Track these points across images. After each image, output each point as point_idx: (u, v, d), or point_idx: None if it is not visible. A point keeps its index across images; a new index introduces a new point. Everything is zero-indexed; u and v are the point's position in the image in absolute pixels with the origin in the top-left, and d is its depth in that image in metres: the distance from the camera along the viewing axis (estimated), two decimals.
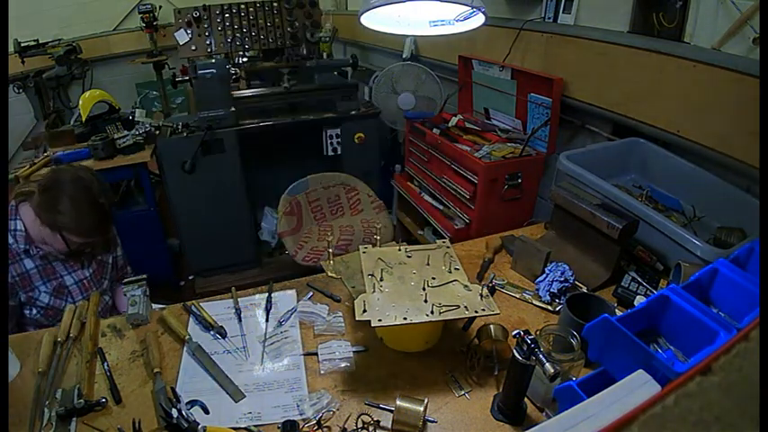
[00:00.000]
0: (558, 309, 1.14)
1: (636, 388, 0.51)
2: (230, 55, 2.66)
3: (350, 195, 2.10)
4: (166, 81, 2.81)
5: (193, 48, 2.57)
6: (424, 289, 0.96)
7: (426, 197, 2.35)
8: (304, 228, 2.04)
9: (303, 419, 0.87)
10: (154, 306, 1.21)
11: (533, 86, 1.95)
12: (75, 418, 0.87)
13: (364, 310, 0.90)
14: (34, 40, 3.35)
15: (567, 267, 1.18)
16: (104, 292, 1.47)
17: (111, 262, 1.51)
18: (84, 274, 1.41)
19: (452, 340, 1.05)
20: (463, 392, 0.93)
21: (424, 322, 0.90)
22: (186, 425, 0.81)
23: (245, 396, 0.94)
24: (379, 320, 0.88)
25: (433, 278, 1.00)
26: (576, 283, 1.20)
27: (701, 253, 1.11)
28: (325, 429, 0.86)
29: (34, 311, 1.32)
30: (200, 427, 0.82)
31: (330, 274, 1.27)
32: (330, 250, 1.21)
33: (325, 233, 2.00)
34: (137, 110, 2.76)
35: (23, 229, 1.26)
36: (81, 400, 0.89)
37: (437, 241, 1.14)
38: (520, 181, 1.97)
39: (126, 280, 1.20)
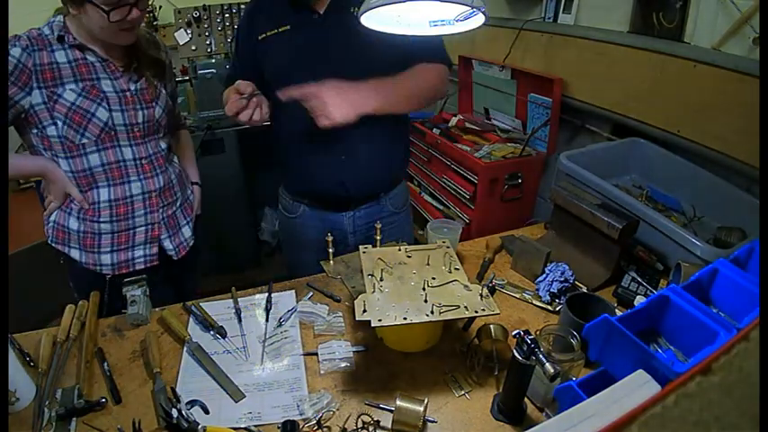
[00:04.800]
0: (558, 309, 1.14)
1: (636, 388, 0.51)
2: (230, 55, 2.66)
3: None
4: None
5: (193, 48, 2.57)
6: (424, 289, 0.96)
7: (426, 197, 2.35)
8: None
9: (303, 419, 0.87)
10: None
11: (533, 86, 1.95)
12: (74, 419, 0.87)
13: (364, 311, 0.90)
14: None
15: (567, 267, 1.18)
16: (158, 144, 1.25)
17: (167, 93, 1.31)
18: (129, 85, 1.18)
19: (452, 340, 1.05)
20: (463, 392, 0.93)
21: (424, 322, 0.90)
22: (186, 425, 0.81)
23: (245, 396, 0.94)
24: (380, 321, 0.88)
25: (433, 278, 1.00)
26: (576, 283, 1.20)
27: (700, 253, 1.11)
28: (325, 429, 0.86)
29: (58, 123, 1.10)
30: (200, 427, 0.82)
31: (330, 274, 1.27)
32: (330, 250, 1.21)
33: None
34: None
35: (62, 20, 1.10)
36: (81, 401, 0.89)
37: (437, 241, 1.14)
38: (520, 181, 1.98)
39: (126, 280, 1.20)
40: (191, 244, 1.39)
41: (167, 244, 1.32)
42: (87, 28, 1.09)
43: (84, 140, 1.14)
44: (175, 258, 1.34)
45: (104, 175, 1.20)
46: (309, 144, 1.25)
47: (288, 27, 1.19)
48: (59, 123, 1.11)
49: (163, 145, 1.30)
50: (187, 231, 1.38)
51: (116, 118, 1.16)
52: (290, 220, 1.43)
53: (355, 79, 1.10)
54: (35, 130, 1.14)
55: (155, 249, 1.30)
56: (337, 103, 1.03)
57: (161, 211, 1.29)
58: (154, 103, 1.24)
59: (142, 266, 1.29)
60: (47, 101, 1.09)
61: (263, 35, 1.21)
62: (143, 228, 1.27)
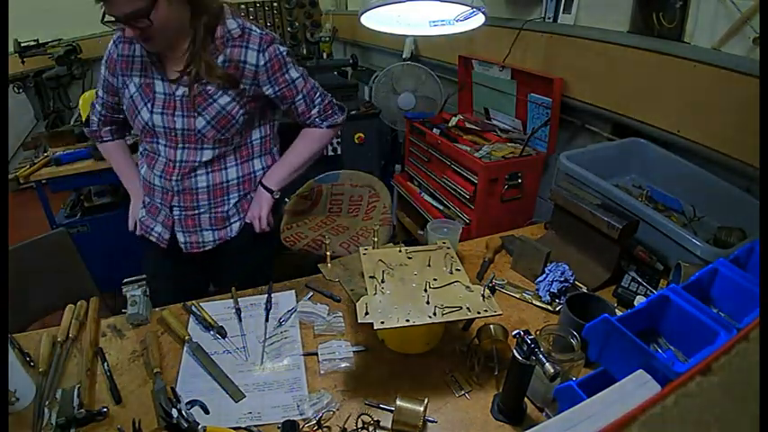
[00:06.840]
0: (558, 309, 1.14)
1: (636, 388, 0.51)
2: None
3: (371, 200, 2.07)
4: None
5: None
6: (425, 290, 0.96)
7: (426, 197, 2.35)
8: (309, 214, 2.01)
9: (303, 419, 0.87)
10: None
11: (533, 86, 1.95)
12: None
13: (366, 313, 0.90)
14: (34, 40, 3.35)
15: (567, 267, 1.18)
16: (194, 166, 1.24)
17: (246, 95, 1.20)
18: (173, 88, 1.17)
19: (453, 340, 1.05)
20: (463, 392, 0.93)
21: (426, 324, 0.90)
22: (186, 425, 0.81)
23: (245, 396, 0.94)
24: (382, 323, 0.88)
25: (435, 279, 1.00)
26: (576, 283, 1.20)
27: (700, 253, 1.11)
28: (325, 429, 0.86)
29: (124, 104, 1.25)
30: (200, 427, 0.82)
31: (328, 277, 1.27)
32: (328, 253, 1.20)
33: (321, 225, 1.96)
34: None
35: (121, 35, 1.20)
36: (82, 411, 0.87)
37: (437, 241, 1.14)
38: (520, 181, 1.97)
39: (126, 280, 1.20)
40: (207, 248, 1.33)
41: (180, 237, 1.32)
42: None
43: (134, 129, 1.28)
44: (185, 251, 1.33)
45: (143, 159, 1.31)
46: None
47: None
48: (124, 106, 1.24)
49: (204, 158, 1.23)
50: (209, 236, 1.33)
51: (156, 120, 1.19)
52: None
53: None
54: None
55: (167, 236, 1.33)
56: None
57: (175, 182, 1.25)
58: (196, 113, 1.17)
59: (154, 239, 1.35)
60: (125, 86, 1.22)
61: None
62: (160, 199, 1.30)
